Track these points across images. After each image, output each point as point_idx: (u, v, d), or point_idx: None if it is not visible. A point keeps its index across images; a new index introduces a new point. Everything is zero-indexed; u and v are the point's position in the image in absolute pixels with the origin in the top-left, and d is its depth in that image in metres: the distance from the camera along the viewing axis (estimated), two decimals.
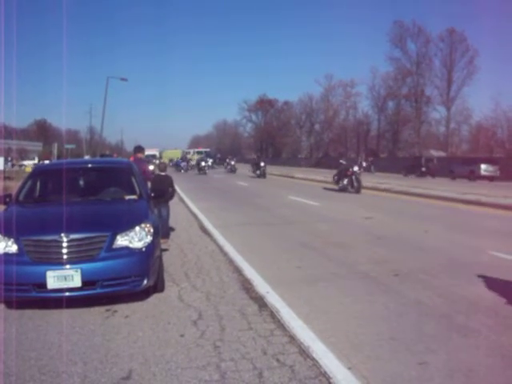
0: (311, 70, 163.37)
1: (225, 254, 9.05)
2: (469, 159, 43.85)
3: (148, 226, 6.21)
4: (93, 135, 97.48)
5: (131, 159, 11.09)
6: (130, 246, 5.93)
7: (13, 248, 5.67)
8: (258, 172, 39.06)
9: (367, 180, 28.33)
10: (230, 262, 8.44)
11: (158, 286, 6.47)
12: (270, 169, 47.67)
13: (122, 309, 5.96)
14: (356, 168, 23.61)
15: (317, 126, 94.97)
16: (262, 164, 38.90)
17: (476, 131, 69.56)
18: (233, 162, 51.07)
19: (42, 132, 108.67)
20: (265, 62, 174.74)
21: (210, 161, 63.27)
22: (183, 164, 58.41)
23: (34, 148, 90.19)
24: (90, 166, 8.81)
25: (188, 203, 18.36)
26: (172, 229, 11.35)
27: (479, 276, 7.47)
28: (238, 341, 4.91)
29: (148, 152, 63.28)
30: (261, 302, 6.19)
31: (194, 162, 59.33)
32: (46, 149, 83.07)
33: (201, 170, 48.45)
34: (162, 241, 7.54)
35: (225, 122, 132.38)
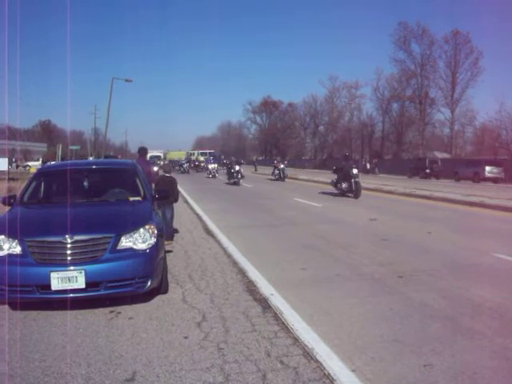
0: (315, 71, 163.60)
1: (229, 256, 9.04)
2: (473, 161, 43.74)
3: (152, 227, 6.21)
4: (97, 136, 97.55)
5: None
6: (134, 247, 5.94)
7: (17, 249, 5.68)
8: (343, 186, 21.78)
9: (371, 182, 28.28)
10: (234, 263, 8.43)
11: (161, 288, 6.47)
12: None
13: (126, 310, 5.96)
14: None
15: (321, 128, 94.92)
16: (355, 171, 21.33)
17: (480, 133, 69.33)
18: (282, 166, 35.83)
19: (47, 133, 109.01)
20: (269, 63, 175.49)
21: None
22: (212, 167, 43.43)
23: (39, 149, 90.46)
24: (94, 167, 8.82)
25: (192, 204, 18.37)
26: (176, 230, 11.35)
27: (483, 278, 7.46)
28: (242, 343, 4.91)
29: (153, 153, 63.32)
30: (265, 303, 6.18)
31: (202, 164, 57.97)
32: (50, 150, 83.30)
33: (232, 177, 32.04)
34: (166, 242, 7.55)
35: (229, 124, 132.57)
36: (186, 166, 55.28)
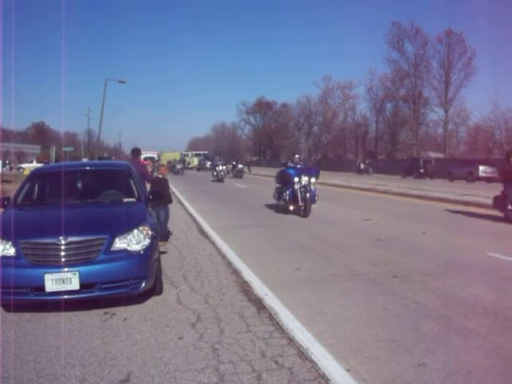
0: (309, 71, 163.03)
1: (223, 257, 9.04)
2: (467, 160, 43.90)
3: (146, 228, 6.21)
4: (91, 138, 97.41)
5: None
6: (128, 248, 5.93)
7: (11, 251, 5.66)
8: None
9: (365, 182, 28.35)
10: (229, 264, 8.42)
11: (156, 289, 6.46)
12: (269, 171, 47.65)
13: (121, 311, 5.95)
14: None
15: (315, 128, 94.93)
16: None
17: (474, 132, 69.57)
18: None
19: (40, 135, 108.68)
20: (263, 64, 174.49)
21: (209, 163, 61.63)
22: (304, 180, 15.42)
23: (32, 151, 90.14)
24: (88, 168, 8.81)
25: (186, 205, 18.36)
26: (170, 232, 11.34)
27: (478, 277, 7.48)
28: (237, 343, 4.91)
29: (147, 154, 63.00)
30: (259, 304, 6.18)
31: (193, 165, 55.62)
32: (43, 152, 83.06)
33: None
34: (160, 243, 7.54)
35: (223, 125, 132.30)
36: (222, 169, 37.32)
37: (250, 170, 55.60)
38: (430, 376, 4.20)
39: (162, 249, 8.12)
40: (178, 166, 51.89)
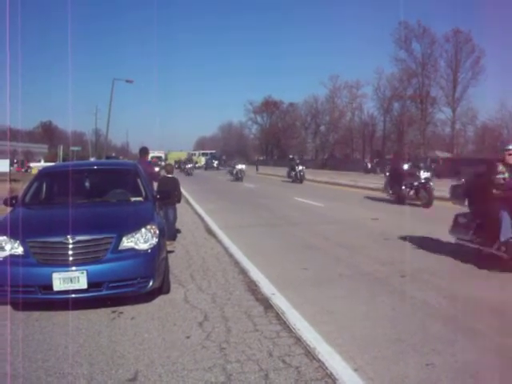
0: (316, 71, 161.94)
1: (230, 256, 9.04)
2: (475, 160, 43.66)
3: (154, 227, 6.22)
4: (98, 137, 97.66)
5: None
6: (136, 247, 5.94)
7: (19, 250, 5.69)
8: None
9: (372, 181, 28.28)
10: (236, 263, 8.43)
11: (163, 288, 6.47)
12: (277, 170, 47.56)
13: (128, 310, 5.96)
14: None
15: (322, 128, 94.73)
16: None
17: (482, 132, 69.23)
18: None
19: (48, 134, 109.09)
20: (270, 63, 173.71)
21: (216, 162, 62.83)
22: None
23: (40, 150, 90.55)
24: (95, 167, 8.84)
25: (194, 205, 18.38)
26: (178, 230, 11.35)
27: (485, 278, 7.45)
28: (244, 342, 4.91)
29: (154, 154, 63.16)
30: (266, 303, 6.18)
31: (200, 164, 55.70)
32: (51, 151, 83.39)
33: None
34: (167, 243, 7.54)
35: (230, 124, 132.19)
36: None
37: (257, 170, 55.73)
38: (437, 376, 4.18)
39: (169, 248, 8.13)
40: (189, 166, 49.70)
